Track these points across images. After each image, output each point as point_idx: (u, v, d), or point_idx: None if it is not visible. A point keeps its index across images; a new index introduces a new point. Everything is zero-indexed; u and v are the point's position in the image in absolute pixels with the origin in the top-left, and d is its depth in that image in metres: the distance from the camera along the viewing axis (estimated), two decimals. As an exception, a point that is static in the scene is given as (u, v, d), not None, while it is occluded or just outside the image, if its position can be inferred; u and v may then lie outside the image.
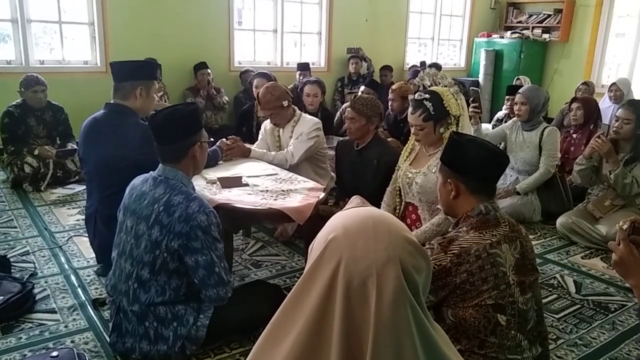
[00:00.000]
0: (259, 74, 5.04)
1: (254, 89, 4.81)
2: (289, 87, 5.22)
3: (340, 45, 7.30)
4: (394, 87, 4.75)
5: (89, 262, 2.97)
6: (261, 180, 2.79)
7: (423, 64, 7.55)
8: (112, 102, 2.69)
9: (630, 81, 5.98)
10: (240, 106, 5.68)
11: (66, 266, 2.92)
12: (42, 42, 5.70)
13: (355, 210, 0.95)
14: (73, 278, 2.78)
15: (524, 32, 8.34)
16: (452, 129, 2.48)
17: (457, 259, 1.67)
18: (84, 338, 2.24)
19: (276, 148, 3.47)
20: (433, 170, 2.48)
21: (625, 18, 7.85)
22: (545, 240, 3.63)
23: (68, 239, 3.30)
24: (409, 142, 2.77)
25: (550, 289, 2.87)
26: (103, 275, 2.71)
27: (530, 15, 8.67)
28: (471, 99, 4.05)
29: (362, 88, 5.22)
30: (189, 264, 1.95)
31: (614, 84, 5.65)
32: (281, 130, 3.44)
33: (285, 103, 3.27)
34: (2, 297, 2.37)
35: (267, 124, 3.55)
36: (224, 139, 3.23)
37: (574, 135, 4.49)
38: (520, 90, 4.01)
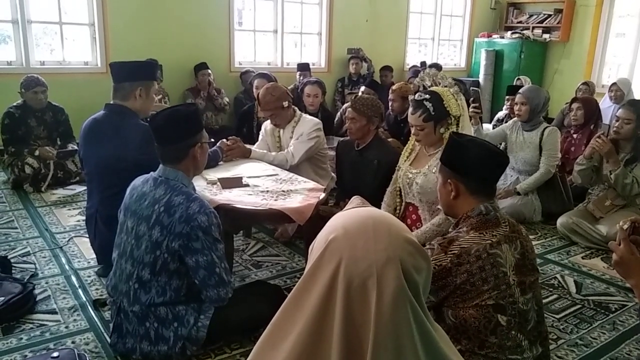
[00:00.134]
0: (259, 74, 5.04)
1: (254, 90, 4.81)
2: (289, 87, 5.22)
3: (341, 45, 7.31)
4: (394, 87, 4.75)
5: (89, 262, 2.97)
6: (261, 181, 2.79)
7: (423, 64, 7.55)
8: (112, 102, 2.69)
9: (630, 81, 5.98)
10: (240, 107, 5.69)
11: (67, 267, 2.93)
12: (43, 43, 5.70)
13: (355, 211, 0.95)
14: (74, 279, 2.79)
15: (524, 32, 8.34)
16: (453, 130, 2.48)
17: (458, 260, 1.67)
18: (84, 339, 2.24)
19: (276, 148, 3.47)
20: (433, 171, 2.48)
21: (625, 18, 7.85)
22: (546, 240, 3.63)
23: (69, 240, 3.30)
24: (409, 142, 2.77)
25: (551, 289, 2.87)
26: (104, 275, 2.71)
27: (531, 16, 8.68)
28: (471, 99, 4.05)
29: (363, 88, 5.22)
30: (189, 264, 1.95)
31: (614, 84, 5.65)
32: (281, 130, 3.44)
33: (286, 104, 3.27)
34: (3, 298, 2.37)
35: (267, 125, 3.55)
36: (224, 140, 3.23)
37: (575, 136, 4.49)
38: (520, 91, 4.01)
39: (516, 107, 3.95)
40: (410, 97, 3.77)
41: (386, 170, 2.89)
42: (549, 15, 8.37)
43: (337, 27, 7.26)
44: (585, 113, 4.36)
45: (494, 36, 8.57)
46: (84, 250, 3.11)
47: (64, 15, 5.57)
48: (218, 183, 2.69)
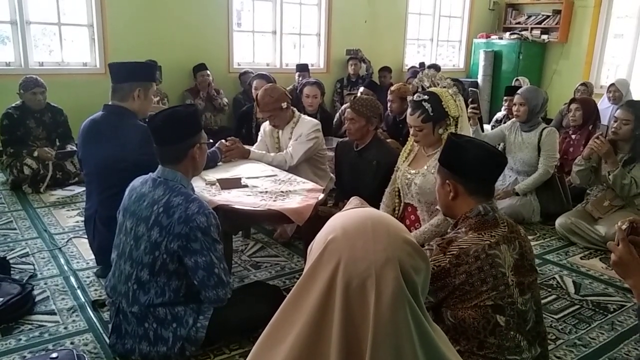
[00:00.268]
0: (258, 75, 5.04)
1: (253, 91, 4.81)
2: (288, 88, 5.23)
3: (339, 46, 7.31)
4: (393, 88, 4.75)
5: (88, 263, 2.97)
6: (260, 182, 2.79)
7: (422, 65, 7.56)
8: (110, 103, 2.69)
9: (629, 82, 5.99)
10: (239, 107, 5.69)
11: (66, 268, 2.92)
12: (42, 43, 5.70)
13: (354, 211, 0.95)
14: (72, 279, 2.78)
15: (523, 33, 8.35)
16: (451, 130, 2.48)
17: (456, 260, 1.68)
18: (83, 339, 2.24)
19: (275, 149, 3.47)
20: (432, 171, 2.48)
21: (623, 19, 7.87)
22: (545, 240, 3.64)
23: (67, 241, 3.30)
24: (407, 143, 2.77)
25: (550, 290, 2.87)
26: (102, 276, 2.71)
27: (529, 16, 8.69)
28: (470, 99, 4.05)
29: (361, 89, 5.23)
30: (188, 265, 1.95)
31: (612, 84, 5.66)
32: (280, 131, 3.44)
33: (284, 105, 3.28)
34: (1, 299, 2.37)
35: (266, 126, 3.55)
36: (223, 140, 3.23)
37: (573, 136, 4.49)
38: (519, 91, 4.02)
39: (515, 108, 3.96)
40: (409, 98, 3.77)
41: (385, 171, 2.89)
42: (548, 16, 8.38)
43: (335, 28, 7.27)
44: (583, 114, 4.37)
45: (493, 37, 8.58)
46: (83, 251, 3.11)
47: (62, 16, 5.56)
48: (217, 184, 2.69)
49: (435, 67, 6.88)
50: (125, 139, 2.55)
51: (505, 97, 5.15)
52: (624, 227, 1.35)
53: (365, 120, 3.01)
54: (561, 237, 3.63)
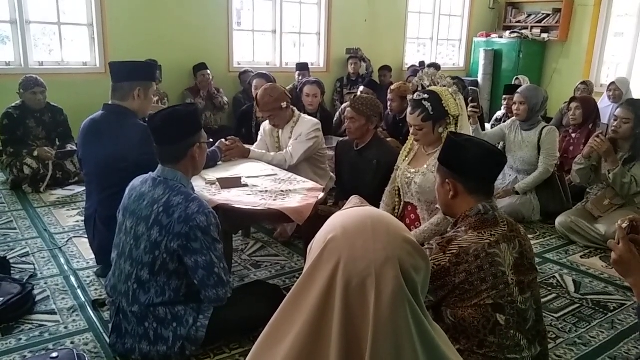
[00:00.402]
0: (258, 74, 5.04)
1: (253, 90, 4.80)
2: (288, 87, 5.23)
3: (339, 45, 7.30)
4: (393, 87, 4.75)
5: (88, 263, 2.97)
6: (260, 181, 2.79)
7: (422, 64, 7.55)
8: (110, 103, 2.69)
9: (629, 80, 5.99)
10: (239, 107, 5.69)
11: (66, 267, 2.92)
12: (41, 43, 5.69)
13: (354, 210, 0.95)
14: (73, 279, 2.78)
15: (523, 31, 8.35)
16: (451, 129, 2.48)
17: (456, 259, 1.68)
18: (83, 339, 2.24)
19: (275, 149, 3.47)
20: (432, 170, 2.48)
21: (624, 17, 7.86)
22: (545, 239, 3.64)
23: (68, 240, 3.30)
24: (407, 142, 2.77)
25: (550, 288, 2.87)
26: (103, 276, 2.71)
27: (529, 15, 8.68)
28: (470, 98, 4.05)
29: (361, 88, 5.24)
30: (188, 264, 1.95)
31: (612, 83, 5.66)
32: (280, 131, 3.44)
33: (284, 104, 3.27)
34: (2, 299, 2.37)
35: (266, 125, 3.55)
36: (223, 140, 3.23)
37: (573, 135, 4.49)
38: (519, 90, 4.02)
39: (515, 107, 3.96)
40: (409, 97, 3.77)
41: (385, 170, 2.89)
42: (548, 15, 8.38)
43: (335, 27, 7.26)
44: (583, 112, 4.37)
45: (493, 36, 8.58)
46: (83, 251, 3.11)
47: (62, 16, 5.56)
48: (217, 183, 2.69)
49: (435, 66, 6.87)
50: (125, 138, 2.55)
51: (504, 96, 5.15)
52: (624, 225, 1.35)
53: (365, 119, 3.01)
54: (561, 236, 3.63)
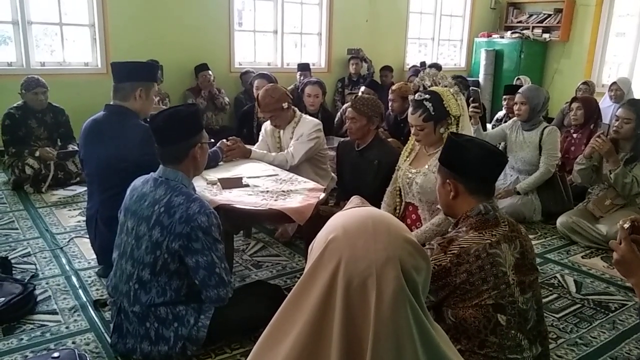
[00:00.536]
0: (260, 74, 5.05)
1: (254, 90, 4.81)
2: (289, 87, 5.23)
3: (341, 45, 7.31)
4: (394, 87, 4.75)
5: (90, 263, 2.98)
6: (261, 181, 2.79)
7: (423, 64, 7.55)
8: (111, 103, 2.69)
9: (630, 80, 5.97)
10: (240, 107, 5.69)
11: (67, 267, 2.93)
12: (43, 44, 5.70)
13: (355, 211, 0.95)
14: (74, 279, 2.79)
15: (524, 32, 8.35)
16: (453, 129, 2.48)
17: (457, 259, 1.68)
18: (85, 339, 2.24)
19: (277, 149, 3.47)
20: (433, 171, 2.48)
21: (625, 17, 7.85)
22: (546, 239, 3.63)
23: (69, 240, 3.30)
24: (409, 142, 2.77)
25: (551, 289, 2.87)
26: (104, 276, 2.71)
27: (531, 15, 8.68)
28: (471, 98, 4.05)
29: (363, 88, 5.23)
30: (189, 264, 1.95)
31: (614, 83, 5.65)
32: (281, 131, 3.44)
33: (285, 105, 3.27)
34: (3, 299, 2.38)
35: (267, 125, 3.55)
36: (224, 140, 3.23)
37: (574, 135, 4.49)
38: (520, 90, 4.02)
39: (516, 107, 3.95)
40: (410, 97, 3.77)
41: (387, 171, 2.89)
42: (549, 15, 8.37)
43: (337, 28, 7.26)
44: (585, 112, 4.36)
45: (494, 36, 8.57)
46: (85, 251, 3.12)
47: (64, 16, 5.57)
48: (218, 183, 2.69)
49: (437, 67, 6.88)
50: (127, 139, 2.55)
51: (504, 96, 5.14)
52: (626, 225, 1.35)
53: (366, 120, 3.01)
54: (562, 236, 3.62)
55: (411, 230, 2.49)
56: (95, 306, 2.49)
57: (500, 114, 5.34)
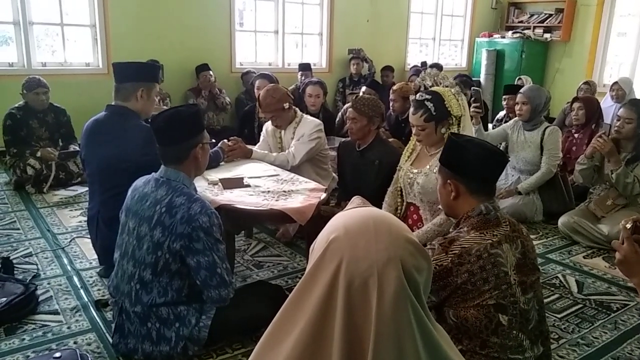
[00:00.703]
0: (261, 75, 5.05)
1: (255, 90, 4.81)
2: (290, 87, 5.24)
3: (342, 46, 7.31)
4: (395, 87, 4.75)
5: (91, 263, 2.98)
6: (263, 181, 2.79)
7: (424, 64, 7.55)
8: (113, 103, 2.69)
9: (632, 80, 5.97)
10: (242, 107, 5.69)
11: (69, 267, 2.93)
12: (44, 44, 5.71)
13: (356, 211, 0.95)
14: (76, 279, 2.79)
15: (525, 31, 8.34)
16: (454, 130, 2.48)
17: (458, 259, 1.67)
18: (86, 339, 2.25)
19: (278, 149, 3.47)
20: (434, 171, 2.47)
21: (626, 17, 7.85)
22: (547, 240, 3.63)
23: (70, 241, 3.31)
24: (410, 142, 2.77)
25: (552, 289, 2.87)
26: (105, 276, 2.71)
27: (532, 15, 8.67)
28: (472, 98, 4.05)
29: (364, 89, 5.23)
30: (191, 265, 1.96)
31: (615, 83, 5.64)
32: (283, 131, 3.44)
33: (286, 105, 3.27)
34: (5, 299, 2.38)
35: (268, 125, 3.55)
36: (225, 140, 3.23)
37: (576, 135, 4.48)
38: (521, 90, 4.01)
39: (517, 107, 3.95)
40: (411, 97, 3.77)
41: (387, 171, 2.89)
42: (550, 15, 8.37)
43: (338, 28, 7.26)
44: (586, 112, 4.36)
45: (495, 36, 8.57)
46: (86, 251, 3.12)
47: (65, 17, 5.57)
48: (219, 183, 2.69)
49: (438, 67, 6.88)
50: (128, 139, 2.55)
51: (504, 96, 5.13)
52: (628, 225, 1.35)
53: (367, 120, 3.01)
54: (564, 236, 3.62)
55: (412, 231, 2.49)
56: (96, 306, 2.50)
57: (501, 114, 5.33)
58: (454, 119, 2.51)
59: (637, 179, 3.31)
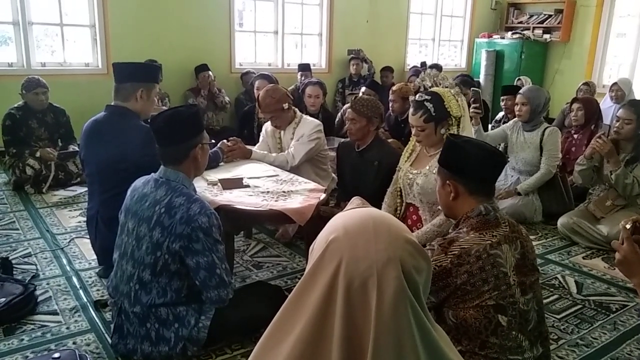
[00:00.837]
0: (260, 75, 5.05)
1: (255, 91, 4.82)
2: (290, 88, 5.24)
3: (341, 46, 7.31)
4: (394, 88, 4.75)
5: (90, 263, 2.98)
6: (262, 182, 2.79)
7: (424, 64, 7.55)
8: (112, 104, 2.69)
9: (631, 81, 5.97)
10: (241, 107, 5.69)
11: (68, 268, 2.93)
12: (44, 44, 5.71)
13: (355, 211, 0.95)
14: (75, 280, 2.79)
15: (525, 32, 8.35)
16: (453, 130, 2.48)
17: (458, 260, 1.67)
18: (85, 339, 2.24)
19: (277, 150, 3.47)
20: (434, 171, 2.47)
21: (626, 18, 7.85)
22: (547, 240, 3.63)
23: (70, 241, 3.31)
24: (409, 143, 2.77)
25: (552, 290, 2.87)
26: (104, 276, 2.71)
27: (531, 16, 8.68)
28: (472, 99, 4.05)
29: (363, 89, 5.23)
30: (190, 265, 1.95)
31: (615, 83, 5.65)
32: (282, 132, 3.44)
33: (286, 106, 3.27)
34: (4, 299, 2.38)
35: (268, 126, 3.55)
36: (225, 141, 3.23)
37: (575, 136, 4.49)
38: (521, 91, 4.02)
39: (517, 108, 3.95)
40: (411, 98, 3.77)
41: (387, 171, 2.89)
42: (550, 16, 8.37)
43: (337, 28, 7.27)
44: (585, 113, 4.36)
45: (495, 36, 8.57)
46: (85, 251, 3.12)
47: (64, 17, 5.57)
48: (219, 184, 2.69)
49: (437, 67, 6.88)
50: (128, 139, 2.55)
51: (502, 97, 5.13)
52: (628, 226, 1.35)
53: (366, 121, 3.01)
54: (563, 237, 3.62)
55: (412, 231, 2.49)
56: (95, 307, 2.50)
57: (500, 115, 5.33)
58: (454, 119, 2.51)
59: (637, 180, 3.31)
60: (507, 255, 1.71)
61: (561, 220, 3.63)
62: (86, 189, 3.49)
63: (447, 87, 2.65)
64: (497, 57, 8.31)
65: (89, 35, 5.68)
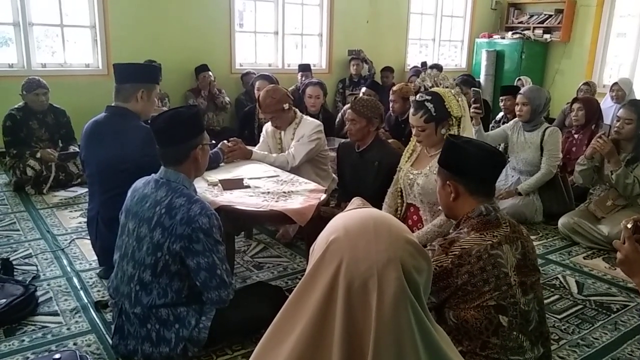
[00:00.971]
0: (261, 75, 5.05)
1: (255, 91, 4.81)
2: (290, 88, 5.24)
3: (341, 46, 7.31)
4: (395, 88, 4.74)
5: (91, 264, 2.98)
6: (262, 182, 2.79)
7: (424, 65, 7.55)
8: (113, 104, 2.69)
9: (632, 81, 5.97)
10: (242, 108, 5.69)
11: (68, 269, 2.93)
12: (44, 45, 5.71)
13: (356, 212, 0.95)
14: (75, 280, 2.79)
15: (525, 32, 8.34)
16: (454, 130, 2.48)
17: (458, 260, 1.67)
18: (86, 340, 2.24)
19: (278, 150, 3.47)
20: (434, 172, 2.47)
21: (626, 18, 7.85)
22: (547, 240, 3.63)
23: (70, 242, 3.31)
24: (410, 143, 2.77)
25: (552, 290, 2.87)
26: (105, 277, 2.71)
27: (531, 16, 8.67)
28: (472, 99, 4.05)
29: (364, 89, 5.23)
30: (190, 266, 1.95)
31: (615, 83, 5.64)
32: (282, 132, 3.44)
33: (286, 106, 3.27)
34: (4, 300, 2.38)
35: (268, 126, 3.55)
36: (225, 141, 3.23)
37: (576, 136, 4.48)
38: (521, 91, 4.02)
39: (517, 108, 3.95)
40: (411, 98, 3.77)
41: (387, 172, 2.89)
42: (550, 16, 8.37)
43: (337, 28, 7.27)
44: (586, 113, 4.36)
45: (495, 36, 8.57)
46: (86, 252, 3.12)
47: (65, 18, 5.57)
48: (219, 184, 2.69)
49: (438, 67, 6.88)
50: (128, 140, 2.55)
51: (501, 97, 5.12)
52: (629, 225, 1.35)
53: (366, 121, 3.01)
54: (564, 237, 3.62)
55: (412, 232, 2.49)
56: (96, 307, 2.49)
57: (500, 115, 5.32)
58: (454, 119, 2.51)
59: (637, 180, 3.31)
60: (508, 256, 1.71)
61: (562, 221, 3.63)
62: (87, 189, 3.49)
63: (447, 87, 2.65)
64: (498, 57, 8.31)
65: (89, 36, 5.69)
